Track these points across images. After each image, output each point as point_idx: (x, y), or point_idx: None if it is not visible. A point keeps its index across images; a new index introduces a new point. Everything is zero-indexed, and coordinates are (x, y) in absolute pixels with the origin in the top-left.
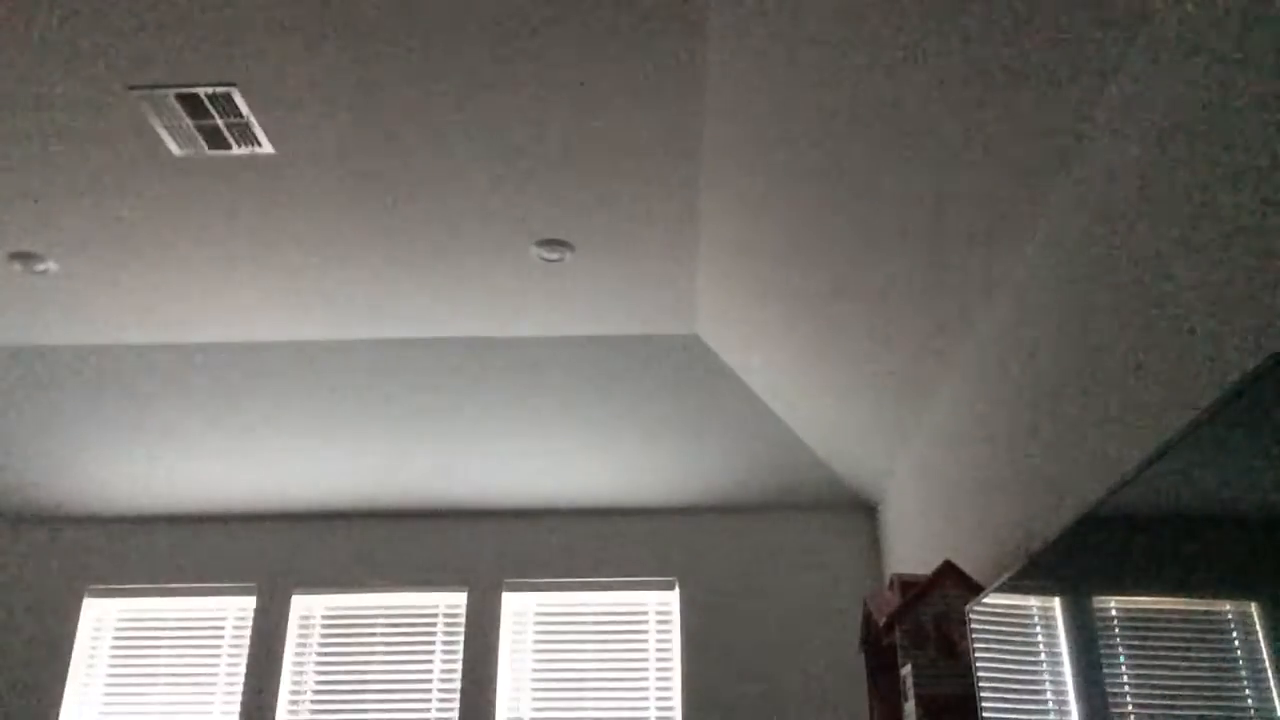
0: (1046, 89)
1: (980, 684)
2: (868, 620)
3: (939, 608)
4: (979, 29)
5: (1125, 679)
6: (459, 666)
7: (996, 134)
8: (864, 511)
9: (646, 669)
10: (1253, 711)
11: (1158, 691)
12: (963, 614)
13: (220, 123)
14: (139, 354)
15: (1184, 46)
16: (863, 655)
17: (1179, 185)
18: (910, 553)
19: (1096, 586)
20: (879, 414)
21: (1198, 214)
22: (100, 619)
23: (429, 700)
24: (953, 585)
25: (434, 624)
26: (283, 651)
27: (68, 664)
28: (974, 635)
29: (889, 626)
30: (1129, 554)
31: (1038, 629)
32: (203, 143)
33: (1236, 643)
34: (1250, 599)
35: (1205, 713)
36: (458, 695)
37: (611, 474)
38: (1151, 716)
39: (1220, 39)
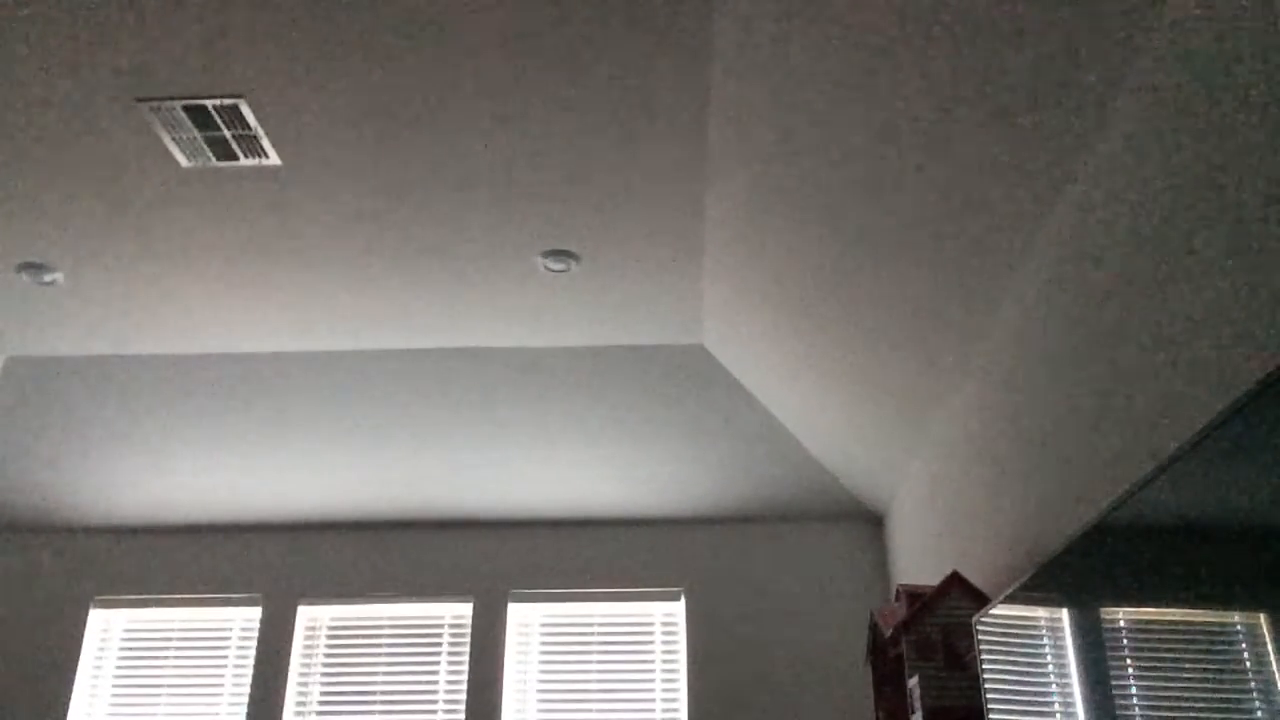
0: (1050, 103)
1: (987, 695)
2: (874, 631)
3: (946, 619)
4: (985, 44)
5: (1133, 691)
6: (464, 677)
7: (1001, 147)
8: (870, 522)
9: (653, 680)
10: None
11: (1166, 704)
12: (970, 625)
13: (228, 134)
14: (146, 364)
15: (1189, 59)
16: (869, 666)
17: (1183, 197)
18: (917, 563)
19: (1104, 598)
20: (885, 425)
21: (1203, 224)
22: (106, 629)
23: (434, 711)
24: (960, 596)
25: (439, 634)
26: (288, 662)
27: (74, 674)
28: (981, 646)
29: (896, 638)
30: (1137, 565)
31: (1045, 640)
32: (210, 154)
33: (1245, 654)
34: (1259, 610)
35: None
36: (463, 706)
37: (617, 484)
38: None
39: (1226, 47)
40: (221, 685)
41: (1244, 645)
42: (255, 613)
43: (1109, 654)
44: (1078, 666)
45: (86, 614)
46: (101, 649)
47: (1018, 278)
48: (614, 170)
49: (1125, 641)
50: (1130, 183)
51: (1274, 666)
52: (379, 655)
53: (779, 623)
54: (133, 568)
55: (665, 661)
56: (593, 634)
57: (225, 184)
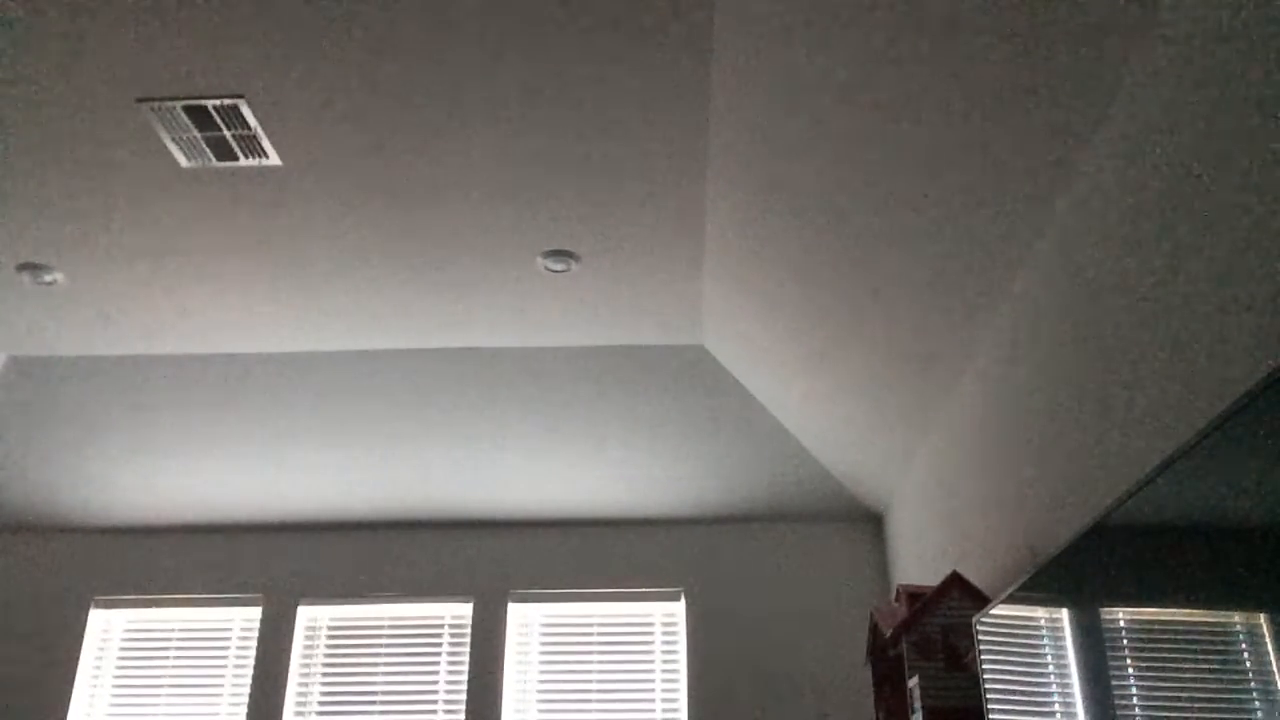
0: (1049, 102)
1: (987, 696)
2: (874, 631)
3: (946, 619)
4: (984, 42)
5: (1133, 691)
6: (464, 677)
7: (1000, 147)
8: (870, 522)
9: (653, 680)
10: None
11: (1166, 704)
12: (970, 625)
13: (228, 134)
14: (145, 365)
15: (1189, 59)
16: (870, 666)
17: (1183, 197)
18: (917, 563)
19: (1104, 598)
20: (885, 424)
21: (1203, 225)
22: (107, 629)
23: (434, 711)
24: (960, 596)
25: (440, 634)
26: (288, 662)
27: (74, 674)
28: (981, 646)
29: (896, 638)
30: (1136, 565)
31: (1045, 640)
32: (210, 154)
33: (1245, 655)
34: (1259, 610)
35: None
36: (463, 706)
37: (617, 485)
38: None
39: (1224, 51)
40: (221, 685)
41: (1244, 645)
42: (255, 613)
43: (1109, 654)
44: (1078, 666)
45: (86, 614)
46: (101, 649)
47: (1018, 278)
48: (614, 170)
49: (1125, 641)
50: (1129, 183)
51: (1274, 666)
52: (379, 655)
53: (779, 623)
54: (133, 568)
55: (665, 661)
56: (593, 634)
57: (225, 184)
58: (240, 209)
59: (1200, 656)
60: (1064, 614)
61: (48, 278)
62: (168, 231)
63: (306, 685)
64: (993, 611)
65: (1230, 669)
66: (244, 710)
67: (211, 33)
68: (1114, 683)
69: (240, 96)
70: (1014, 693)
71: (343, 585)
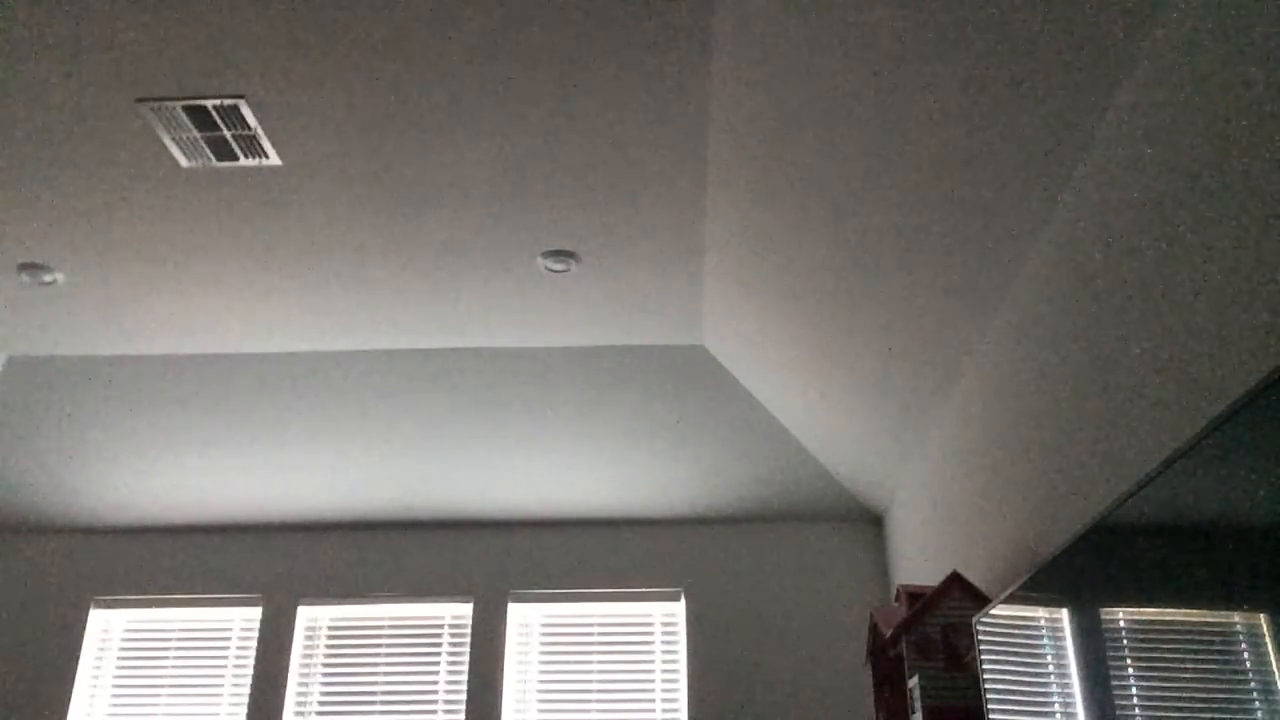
0: (1050, 99)
1: (987, 695)
2: (874, 631)
3: (946, 619)
4: (984, 39)
5: (1134, 691)
6: (464, 677)
7: (1001, 145)
8: (870, 522)
9: (652, 680)
10: None
11: (1166, 704)
12: (970, 625)
13: (228, 134)
14: (146, 364)
15: (1190, 59)
16: (869, 667)
17: (1185, 195)
18: (917, 564)
19: (1104, 598)
20: (885, 425)
21: (1204, 223)
22: (107, 629)
23: (434, 711)
24: (960, 596)
25: (439, 635)
26: (288, 662)
27: (74, 674)
28: (981, 646)
29: (896, 638)
30: (1137, 565)
31: (1045, 640)
32: (210, 154)
33: (1246, 655)
34: (1260, 610)
35: None
36: (463, 706)
37: (617, 484)
38: None
39: (1226, 47)
40: (221, 685)
41: (1244, 645)
42: (255, 613)
43: (1109, 654)
44: (1078, 666)
45: (86, 614)
46: (101, 649)
47: (1018, 278)
48: (614, 170)
49: (1125, 641)
50: (1130, 183)
51: (1274, 666)
52: (379, 655)
53: (779, 622)
54: (133, 568)
55: (665, 661)
56: (593, 634)
57: (225, 184)
58: (240, 209)
59: (1200, 656)
60: (1064, 614)
61: (48, 278)
62: (168, 231)
63: (306, 685)
64: (993, 611)
65: (1230, 669)
66: (244, 710)
67: (211, 33)
68: (1114, 683)
69: (240, 96)
70: (1014, 693)
71: (343, 585)
